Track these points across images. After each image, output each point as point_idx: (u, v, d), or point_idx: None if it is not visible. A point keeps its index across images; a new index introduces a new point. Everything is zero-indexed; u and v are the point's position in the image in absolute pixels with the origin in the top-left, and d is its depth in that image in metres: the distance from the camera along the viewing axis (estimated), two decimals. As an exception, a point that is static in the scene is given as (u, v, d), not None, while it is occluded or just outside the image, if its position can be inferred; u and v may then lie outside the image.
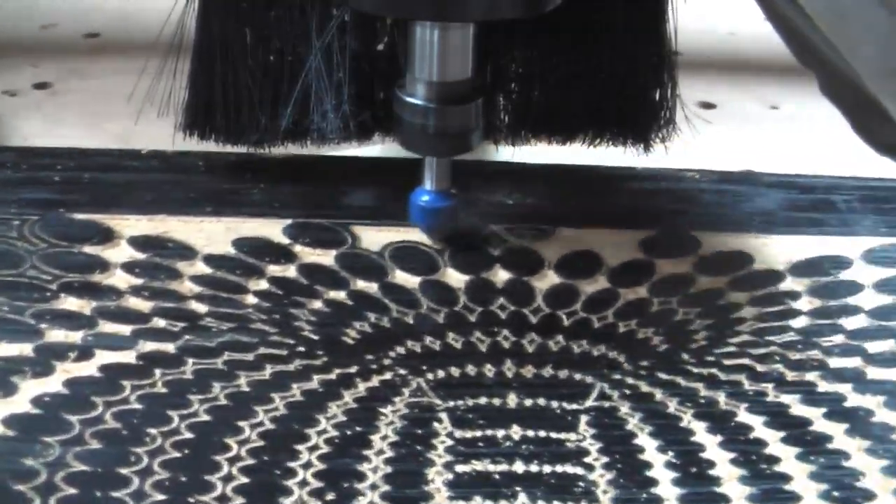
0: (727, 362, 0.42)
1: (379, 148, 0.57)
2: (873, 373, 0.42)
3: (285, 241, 0.47)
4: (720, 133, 0.62)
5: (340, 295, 0.44)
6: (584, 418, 0.39)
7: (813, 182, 0.53)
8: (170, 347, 0.41)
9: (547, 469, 0.36)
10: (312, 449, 0.37)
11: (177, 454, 0.36)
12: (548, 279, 0.45)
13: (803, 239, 0.49)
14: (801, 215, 0.51)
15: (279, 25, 0.47)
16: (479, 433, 0.37)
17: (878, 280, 0.47)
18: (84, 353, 0.40)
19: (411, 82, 0.43)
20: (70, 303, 0.43)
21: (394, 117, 0.45)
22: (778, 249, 0.48)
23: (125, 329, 0.41)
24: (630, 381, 0.41)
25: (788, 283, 0.46)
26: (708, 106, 0.66)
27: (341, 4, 0.46)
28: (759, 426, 0.39)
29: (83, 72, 0.67)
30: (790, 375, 0.41)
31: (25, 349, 0.40)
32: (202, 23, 0.47)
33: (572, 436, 0.38)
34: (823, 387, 0.41)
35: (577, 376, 0.41)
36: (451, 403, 0.39)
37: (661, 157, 0.58)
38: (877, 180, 0.54)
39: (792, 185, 0.53)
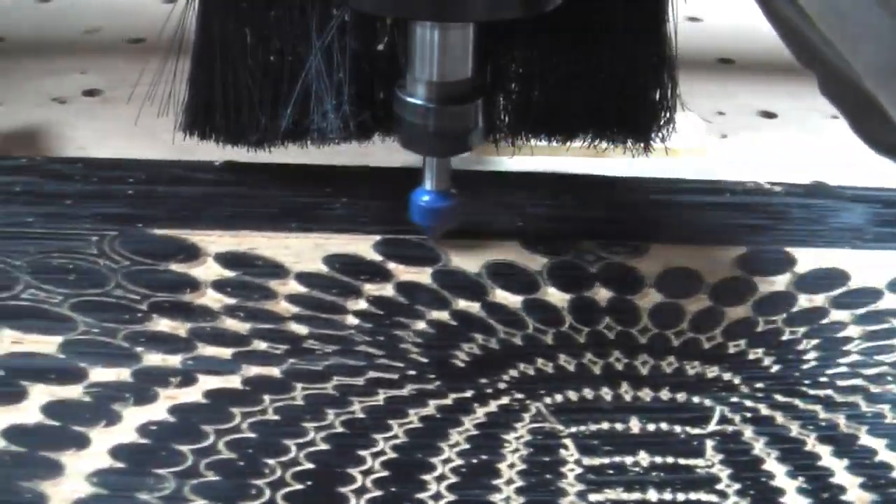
0: (841, 383, 0.41)
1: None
2: None
3: (378, 258, 0.46)
4: (782, 143, 0.63)
5: (444, 315, 0.43)
6: (709, 443, 0.38)
7: (891, 196, 0.53)
8: (275, 371, 0.40)
9: (681, 497, 0.35)
10: (440, 479, 0.36)
11: (299, 486, 0.35)
12: (650, 297, 0.45)
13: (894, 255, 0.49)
14: (888, 230, 0.51)
15: (279, 25, 0.46)
16: (606, 460, 0.37)
17: (979, 296, 0.47)
18: (186, 377, 0.39)
19: (411, 82, 0.43)
20: (164, 324, 0.41)
21: (394, 117, 0.44)
22: (872, 265, 0.48)
23: (226, 352, 0.40)
24: (749, 403, 0.40)
25: (889, 301, 0.46)
26: (769, 115, 0.66)
27: (341, 4, 0.45)
28: (882, 449, 0.38)
29: (132, 78, 0.65)
30: (905, 395, 0.41)
31: (123, 374, 0.39)
32: (202, 23, 0.47)
33: (700, 462, 0.37)
34: (941, 408, 0.41)
35: (696, 399, 0.40)
36: (574, 429, 0.38)
37: (727, 167, 0.58)
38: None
39: (875, 200, 0.52)
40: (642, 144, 0.51)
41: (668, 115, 0.51)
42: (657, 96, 0.50)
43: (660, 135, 0.51)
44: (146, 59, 0.69)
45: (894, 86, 0.35)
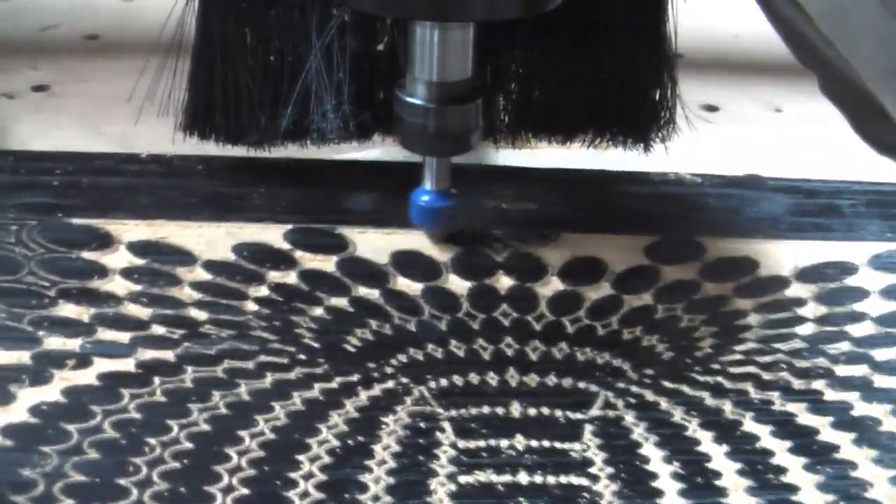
0: (733, 370, 0.41)
1: (378, 151, 0.57)
2: (881, 381, 0.41)
3: (286, 246, 0.46)
4: (723, 136, 0.62)
5: (342, 302, 0.44)
6: (588, 427, 0.38)
7: (818, 187, 0.53)
8: (169, 355, 0.40)
9: (551, 480, 0.36)
10: (313, 459, 0.36)
11: (176, 465, 0.36)
12: (552, 285, 0.45)
13: (809, 244, 0.49)
14: (806, 220, 0.50)
15: (279, 25, 0.46)
16: (482, 443, 0.37)
17: (885, 286, 0.46)
18: (82, 360, 0.40)
19: (411, 82, 0.43)
20: (68, 309, 0.42)
21: (394, 117, 0.44)
22: (784, 255, 0.48)
23: (124, 336, 0.41)
24: (635, 389, 0.40)
25: (794, 290, 0.46)
26: (711, 108, 0.66)
27: (341, 4, 0.45)
28: (765, 435, 0.38)
29: (82, 74, 0.67)
30: (796, 384, 0.41)
31: (23, 357, 0.40)
32: (202, 23, 0.47)
33: (577, 445, 0.37)
34: (830, 395, 0.41)
35: (582, 385, 0.40)
36: (454, 412, 0.38)
37: (664, 159, 0.58)
38: (882, 184, 0.54)
39: (797, 190, 0.52)
40: (642, 144, 0.51)
41: (667, 115, 0.50)
42: (657, 96, 0.50)
43: (660, 135, 0.51)
44: (99, 55, 0.71)
45: (894, 86, 0.35)
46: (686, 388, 0.40)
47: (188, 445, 0.36)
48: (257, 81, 0.47)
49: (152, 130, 0.57)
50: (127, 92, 0.64)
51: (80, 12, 0.74)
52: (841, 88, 0.39)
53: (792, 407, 0.40)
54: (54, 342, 0.41)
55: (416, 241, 0.47)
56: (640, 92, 0.50)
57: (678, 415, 0.39)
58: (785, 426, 0.39)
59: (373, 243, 0.47)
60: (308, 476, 0.35)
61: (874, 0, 0.33)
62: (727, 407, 0.40)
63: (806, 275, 0.47)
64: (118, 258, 0.45)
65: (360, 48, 0.47)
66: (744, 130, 0.63)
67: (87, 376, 0.39)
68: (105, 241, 0.46)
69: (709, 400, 0.40)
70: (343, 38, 0.46)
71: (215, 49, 0.47)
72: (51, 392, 0.38)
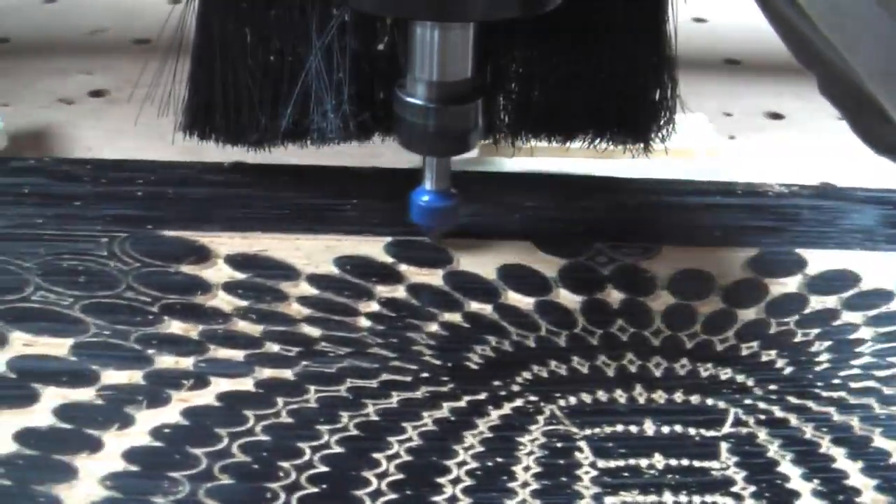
0: (854, 385, 0.41)
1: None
2: None
3: (388, 259, 0.46)
4: (789, 144, 0.62)
5: (456, 317, 0.43)
6: (724, 445, 0.38)
7: (900, 196, 0.53)
8: (288, 374, 0.40)
9: (696, 500, 0.35)
10: (455, 482, 0.35)
11: (314, 489, 0.35)
12: (662, 299, 0.45)
13: (904, 256, 0.49)
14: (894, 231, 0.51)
15: (279, 25, 0.46)
16: (621, 462, 0.37)
17: None
18: (199, 380, 0.39)
19: (411, 82, 0.43)
20: (175, 326, 0.41)
21: (394, 117, 0.44)
22: (884, 267, 0.48)
23: (238, 354, 0.40)
24: (762, 405, 0.40)
25: (901, 302, 0.46)
26: (776, 116, 0.66)
27: (341, 4, 0.45)
28: (893, 449, 0.38)
29: (136, 79, 0.65)
30: (919, 398, 0.41)
31: (135, 376, 0.39)
32: (202, 23, 0.47)
33: (716, 464, 0.37)
34: (954, 409, 0.41)
35: (710, 401, 0.40)
36: (589, 431, 0.38)
37: (734, 168, 0.58)
38: None
39: (886, 202, 0.52)
40: (642, 145, 0.51)
41: (667, 115, 0.51)
42: (657, 96, 0.50)
43: (660, 135, 0.51)
44: (150, 59, 0.69)
45: (894, 86, 0.35)
46: (812, 404, 0.40)
47: (324, 469, 0.36)
48: (257, 81, 0.47)
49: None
50: (179, 97, 0.63)
51: (126, 16, 0.73)
52: (840, 89, 0.40)
53: (918, 422, 0.40)
54: (166, 361, 0.40)
55: (517, 251, 0.47)
56: (640, 92, 0.50)
57: (809, 431, 0.39)
58: (914, 442, 0.39)
59: (474, 255, 0.46)
60: (452, 499, 0.35)
61: (873, 1, 0.33)
62: (855, 422, 0.40)
63: (912, 287, 0.47)
64: (218, 272, 0.44)
65: (360, 48, 0.47)
66: (810, 138, 0.63)
67: (205, 396, 0.39)
68: (202, 255, 0.45)
69: (836, 416, 0.40)
70: (343, 38, 0.46)
71: (215, 49, 0.47)
72: (170, 413, 0.38)
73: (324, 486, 0.35)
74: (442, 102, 0.42)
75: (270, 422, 0.37)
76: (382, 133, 0.50)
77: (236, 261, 0.45)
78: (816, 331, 0.44)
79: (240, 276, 0.44)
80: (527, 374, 0.40)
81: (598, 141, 0.51)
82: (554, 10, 0.42)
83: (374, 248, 0.46)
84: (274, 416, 0.38)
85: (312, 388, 0.39)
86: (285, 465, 0.36)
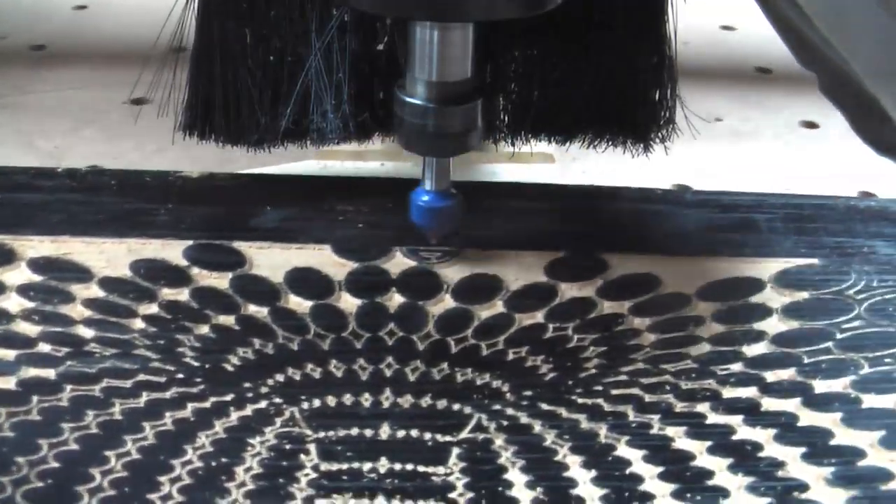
0: (615, 392, 0.41)
1: (301, 164, 0.58)
2: (768, 404, 0.41)
3: (184, 263, 0.47)
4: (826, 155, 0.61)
5: (229, 320, 0.44)
6: (455, 451, 0.38)
7: (737, 200, 0.52)
8: (51, 373, 0.41)
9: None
10: (174, 480, 0.37)
11: (40, 484, 0.36)
12: (443, 304, 0.45)
13: (717, 261, 0.48)
14: (719, 236, 0.50)
15: (279, 25, 0.47)
16: (344, 465, 0.37)
17: (788, 304, 0.46)
18: (-35, 378, 0.41)
19: (411, 82, 0.43)
20: (-39, 327, 0.44)
21: (394, 117, 0.45)
22: (689, 272, 0.48)
23: (10, 354, 0.42)
24: (510, 411, 0.40)
25: (694, 308, 0.45)
26: (811, 125, 0.64)
27: (341, 4, 0.46)
28: (637, 460, 0.38)
29: (24, 86, 0.68)
30: (679, 406, 0.41)
31: None
32: (202, 23, 0.47)
33: (440, 469, 0.37)
34: (713, 419, 0.40)
35: (456, 406, 0.40)
36: (322, 434, 0.39)
37: (592, 174, 0.57)
38: (804, 197, 0.53)
39: (715, 204, 0.52)
40: (642, 145, 0.51)
41: (667, 115, 0.50)
42: (657, 96, 0.50)
43: (660, 135, 0.51)
44: (43, 66, 0.72)
45: (894, 86, 0.35)
46: (563, 411, 0.40)
47: (55, 465, 0.37)
48: (257, 81, 0.48)
49: (87, 144, 0.59)
50: (66, 104, 0.66)
51: (27, 22, 0.76)
52: (841, 89, 0.39)
53: (670, 430, 0.40)
54: (-59, 360, 0.42)
55: (315, 256, 0.48)
56: (639, 92, 0.50)
57: (550, 439, 0.39)
58: (659, 451, 0.39)
59: (270, 260, 0.47)
60: (166, 498, 0.36)
61: (874, 1, 0.33)
62: (602, 430, 0.39)
63: (709, 292, 0.46)
64: (18, 275, 0.46)
65: (360, 48, 0.47)
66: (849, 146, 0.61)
67: (-33, 394, 0.41)
68: (7, 258, 0.47)
69: (584, 423, 0.40)
70: (343, 38, 0.47)
71: (215, 49, 0.48)
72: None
73: (50, 480, 0.37)
74: (441, 102, 0.42)
75: (19, 419, 0.39)
76: (382, 133, 0.51)
77: (38, 264, 0.46)
78: (593, 336, 0.44)
79: (37, 278, 0.46)
80: (279, 377, 0.41)
81: (597, 141, 0.51)
82: (553, 10, 0.42)
83: (174, 251, 0.48)
84: (24, 413, 0.39)
85: (69, 387, 0.41)
86: (20, 460, 0.38)
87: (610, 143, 0.51)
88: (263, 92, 0.48)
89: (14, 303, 0.44)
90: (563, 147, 0.53)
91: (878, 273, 0.48)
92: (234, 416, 0.39)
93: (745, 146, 0.64)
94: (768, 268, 0.48)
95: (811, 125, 0.66)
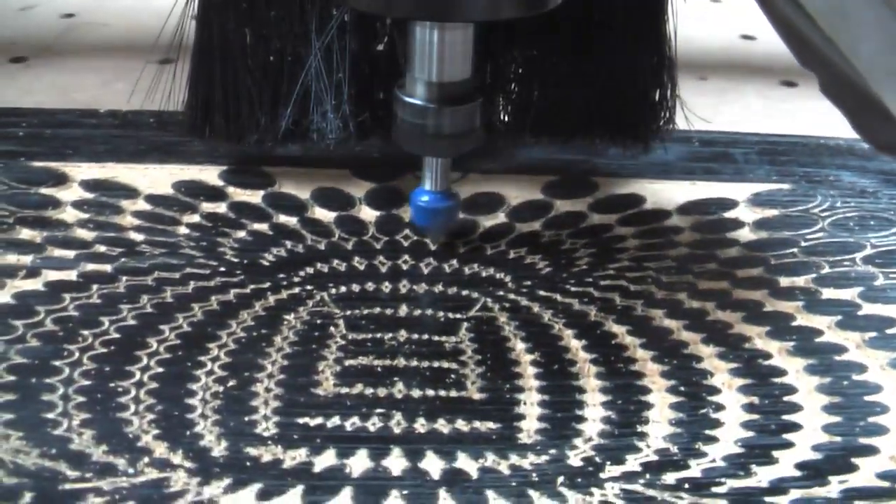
0: (603, 283, 0.49)
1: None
2: (739, 294, 0.48)
3: (220, 183, 0.54)
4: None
5: (263, 227, 0.51)
6: (464, 325, 0.45)
7: (716, 137, 0.60)
8: (107, 268, 0.48)
9: (425, 364, 0.43)
10: (222, 346, 0.44)
11: (104, 350, 0.44)
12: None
13: (696, 185, 0.56)
14: (698, 165, 0.58)
15: (279, 25, 0.49)
16: (368, 335, 0.45)
17: (759, 219, 0.53)
18: (32, 272, 0.48)
19: (411, 82, 0.44)
20: (24, 233, 0.50)
21: (394, 117, 0.46)
22: (671, 193, 0.55)
23: (70, 253, 0.49)
24: (512, 296, 0.47)
25: (674, 220, 0.53)
26: None
27: (341, 4, 0.48)
28: (622, 333, 0.46)
29: (56, 48, 0.76)
30: (660, 294, 0.48)
31: (-18, 270, 0.48)
32: (202, 23, 0.50)
33: (452, 339, 0.45)
34: (689, 304, 0.48)
35: (464, 292, 0.48)
36: (348, 312, 0.46)
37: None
38: (779, 136, 0.61)
39: (696, 139, 0.59)
40: (642, 145, 0.55)
41: (667, 115, 0.54)
42: (657, 96, 0.53)
43: (660, 135, 0.54)
44: (73, 31, 0.80)
45: (895, 85, 0.37)
46: (558, 297, 0.48)
47: (116, 335, 0.44)
48: (257, 81, 0.50)
49: (119, 96, 0.66)
50: (98, 63, 0.73)
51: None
52: (841, 89, 0.41)
53: (653, 312, 0.47)
54: (9, 258, 0.49)
55: (335, 178, 0.55)
56: (639, 92, 0.53)
57: (547, 317, 0.46)
58: (642, 327, 0.46)
59: (296, 181, 0.55)
60: (215, 359, 0.43)
61: (875, 0, 0.35)
62: (592, 311, 0.47)
63: (687, 208, 0.54)
64: (71, 193, 0.53)
65: (359, 48, 0.49)
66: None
67: (35, 284, 0.47)
68: (60, 180, 0.54)
69: (577, 305, 0.47)
70: (343, 38, 0.48)
71: (215, 49, 0.50)
72: (2, 296, 0.47)
73: (112, 347, 0.44)
74: (441, 103, 0.44)
75: (82, 302, 0.46)
76: (382, 133, 0.53)
77: (88, 184, 0.54)
78: (585, 240, 0.51)
79: (88, 195, 0.53)
80: (310, 270, 0.49)
81: (597, 141, 0.54)
82: (553, 10, 0.43)
83: (210, 174, 0.55)
84: (86, 297, 0.47)
85: (124, 278, 0.48)
86: (85, 332, 0.45)
87: (610, 142, 0.54)
88: (263, 92, 0.50)
89: (70, 215, 0.52)
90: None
91: (842, 196, 0.56)
92: (272, 298, 0.47)
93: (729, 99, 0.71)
94: (742, 190, 0.55)
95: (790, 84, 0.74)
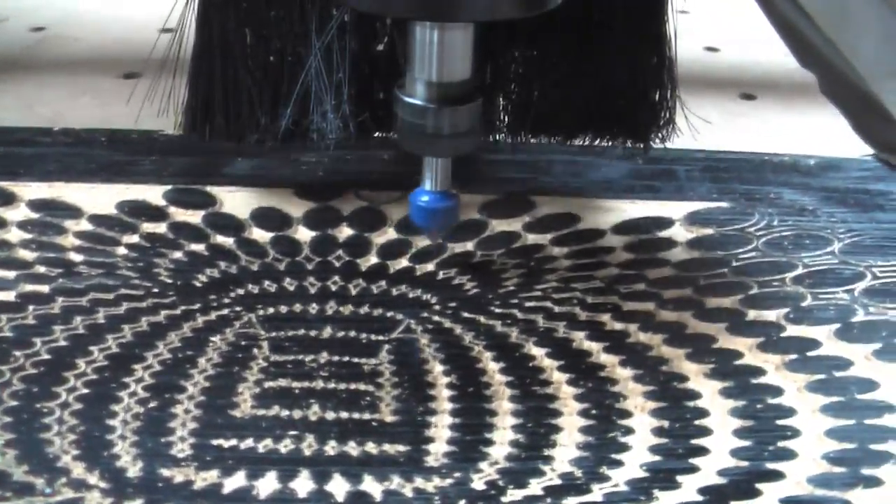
0: (528, 304, 0.50)
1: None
2: (663, 315, 0.50)
3: (163, 203, 0.56)
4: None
5: (200, 247, 0.53)
6: (385, 347, 0.47)
7: (661, 154, 0.61)
8: (45, 289, 0.50)
9: (342, 386, 0.45)
10: (146, 368, 0.46)
11: (33, 371, 0.45)
12: (387, 235, 0.54)
13: (635, 203, 0.57)
14: (640, 182, 0.59)
15: (279, 25, 0.50)
16: (290, 357, 0.46)
17: (693, 238, 0.55)
18: (-30, 293, 0.50)
19: (411, 82, 0.45)
20: (-33, 254, 0.53)
21: (393, 117, 0.46)
22: (607, 212, 0.56)
23: (10, 274, 0.51)
24: (436, 318, 0.49)
25: (607, 240, 0.54)
26: None
27: (341, 4, 0.49)
28: (541, 356, 0.47)
29: (23, 62, 0.78)
30: (583, 316, 0.49)
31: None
32: (202, 23, 0.51)
33: (372, 360, 0.46)
34: (612, 326, 0.49)
35: (390, 314, 0.49)
36: (273, 334, 0.48)
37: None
38: (724, 152, 0.62)
39: (640, 157, 0.60)
40: (642, 145, 0.55)
41: (667, 115, 0.55)
42: (657, 96, 0.54)
43: (659, 135, 0.55)
44: (42, 45, 0.82)
45: (894, 86, 0.39)
46: (481, 318, 0.49)
47: (46, 357, 0.46)
48: (257, 81, 0.51)
49: (83, 110, 0.68)
50: (64, 78, 0.75)
51: (27, 7, 0.86)
52: (841, 89, 0.43)
53: (574, 334, 0.48)
54: (-48, 279, 0.51)
55: (278, 197, 0.56)
56: (640, 92, 0.53)
57: (468, 339, 0.48)
58: (561, 349, 0.47)
59: (239, 201, 0.56)
60: (139, 380, 0.45)
61: (875, 0, 0.38)
62: (514, 333, 0.48)
63: (622, 228, 0.55)
64: (18, 213, 0.55)
65: (359, 48, 0.50)
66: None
67: (-26, 305, 0.50)
68: (8, 199, 0.56)
69: (498, 328, 0.48)
70: (343, 38, 0.49)
71: (215, 49, 0.51)
72: (-58, 317, 0.49)
73: (42, 368, 0.46)
74: (441, 103, 0.44)
75: (17, 322, 0.48)
76: (382, 133, 0.54)
77: (35, 204, 0.56)
78: (515, 261, 0.53)
79: (34, 215, 0.55)
80: (240, 291, 0.50)
81: (597, 141, 0.55)
82: (553, 10, 0.43)
83: (155, 194, 0.57)
84: (21, 318, 0.49)
85: (60, 299, 0.50)
86: (17, 353, 0.46)
87: (610, 142, 0.55)
88: (264, 92, 0.51)
89: (14, 235, 0.54)
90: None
91: (780, 214, 0.57)
92: (200, 320, 0.48)
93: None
94: (680, 208, 0.56)
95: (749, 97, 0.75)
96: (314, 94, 0.50)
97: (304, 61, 0.50)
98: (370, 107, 0.52)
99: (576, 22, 0.51)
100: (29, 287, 0.50)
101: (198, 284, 0.51)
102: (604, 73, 0.52)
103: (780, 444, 0.43)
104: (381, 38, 0.51)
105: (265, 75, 0.51)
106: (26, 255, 0.52)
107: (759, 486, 0.41)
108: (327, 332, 0.48)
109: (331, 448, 0.42)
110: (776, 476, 0.42)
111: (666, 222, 0.55)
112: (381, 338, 0.48)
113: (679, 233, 0.55)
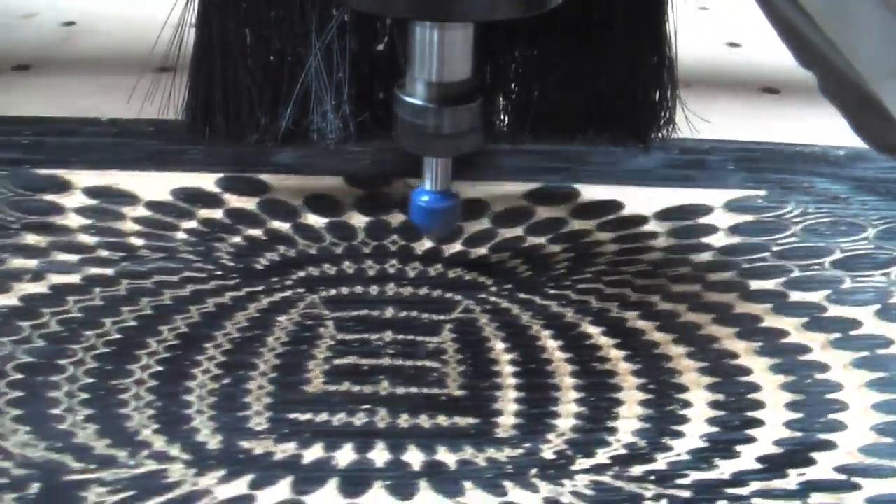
0: (581, 286, 0.52)
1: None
2: (710, 296, 0.52)
3: (216, 190, 0.58)
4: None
5: (258, 232, 0.55)
6: (447, 326, 0.49)
7: (694, 145, 0.63)
8: (109, 272, 0.52)
9: (409, 363, 0.47)
10: (217, 346, 0.47)
11: (106, 349, 0.47)
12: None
13: (674, 191, 0.59)
14: (676, 172, 0.61)
15: (279, 25, 0.51)
16: (356, 336, 0.48)
17: (732, 224, 0.57)
18: (37, 276, 0.51)
19: (411, 82, 0.45)
20: (30, 239, 0.54)
21: (393, 117, 0.46)
22: (648, 199, 0.58)
23: (73, 258, 0.53)
24: (493, 299, 0.51)
25: (651, 226, 0.56)
26: None
27: (341, 4, 0.49)
28: (597, 334, 0.49)
29: (57, 56, 0.79)
30: (634, 297, 0.51)
31: (-11, 274, 0.52)
32: (202, 23, 0.52)
33: (435, 339, 0.48)
34: (662, 306, 0.51)
35: (448, 295, 0.51)
36: (338, 314, 0.49)
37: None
38: (755, 143, 0.64)
39: (675, 147, 0.63)
40: (642, 144, 0.57)
41: (668, 114, 0.56)
42: (657, 96, 0.55)
43: (659, 135, 0.57)
44: (73, 39, 0.83)
45: (895, 85, 0.38)
46: (537, 299, 0.51)
47: (117, 336, 0.48)
48: (257, 81, 0.52)
49: (119, 103, 0.70)
50: (97, 71, 0.77)
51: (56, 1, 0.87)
52: (841, 89, 0.41)
53: (627, 314, 0.50)
54: (16, 263, 0.52)
55: (328, 184, 0.58)
56: (639, 92, 0.55)
57: (526, 318, 0.50)
58: (616, 328, 0.49)
59: (290, 188, 0.58)
60: (211, 358, 0.47)
61: (875, 0, 0.36)
62: (569, 313, 0.50)
63: (664, 214, 0.57)
64: (74, 199, 0.57)
65: (359, 48, 0.51)
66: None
67: (40, 287, 0.51)
68: (63, 187, 0.58)
69: (554, 308, 0.50)
70: (343, 38, 0.51)
71: (215, 49, 0.52)
72: (10, 299, 0.50)
73: (114, 347, 0.47)
74: (442, 102, 0.44)
75: (85, 304, 0.50)
76: (382, 133, 0.54)
77: (90, 191, 0.57)
78: (565, 245, 0.55)
79: (90, 202, 0.57)
80: (301, 273, 0.52)
81: (597, 140, 0.57)
82: (553, 10, 0.44)
83: (207, 181, 0.58)
84: (89, 299, 0.50)
85: (125, 281, 0.51)
86: (88, 333, 0.48)
87: (610, 142, 0.57)
88: (264, 92, 0.52)
89: (73, 220, 0.55)
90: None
91: (815, 202, 0.59)
92: (265, 301, 0.50)
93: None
94: (717, 196, 0.59)
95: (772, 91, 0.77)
96: (314, 94, 0.51)
97: (304, 61, 0.51)
98: (370, 107, 0.54)
99: (576, 22, 0.52)
100: (93, 270, 0.52)
101: (259, 267, 0.53)
102: (604, 73, 0.54)
103: (831, 416, 0.45)
104: (381, 38, 0.52)
105: (265, 75, 0.52)
106: (87, 239, 0.54)
107: (813, 454, 0.43)
108: (389, 312, 0.50)
109: (404, 421, 0.44)
110: (829, 446, 0.44)
111: (705, 209, 0.58)
112: (442, 317, 0.50)
113: (719, 219, 0.57)
